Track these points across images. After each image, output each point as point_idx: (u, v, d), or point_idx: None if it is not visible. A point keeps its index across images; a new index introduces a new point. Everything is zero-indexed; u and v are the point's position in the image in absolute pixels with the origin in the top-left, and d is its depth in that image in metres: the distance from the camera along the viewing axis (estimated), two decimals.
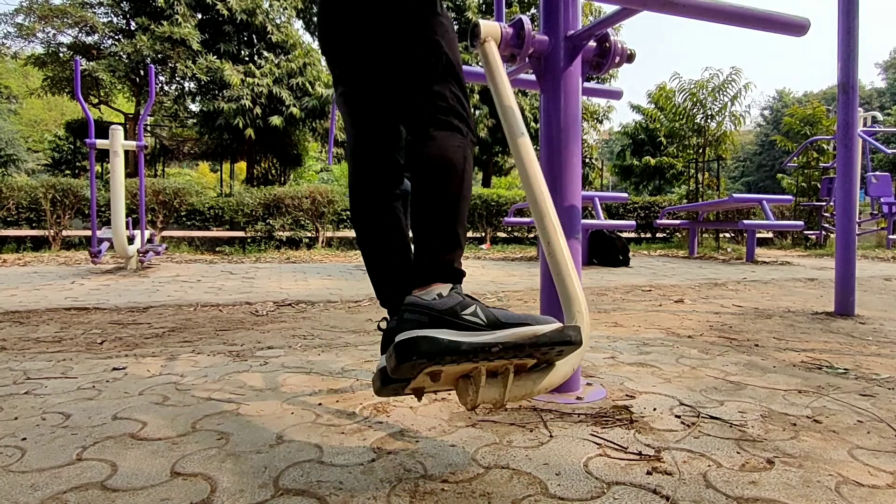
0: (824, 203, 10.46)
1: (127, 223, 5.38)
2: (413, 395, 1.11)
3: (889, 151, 9.96)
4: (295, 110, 15.84)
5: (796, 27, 1.51)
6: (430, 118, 1.15)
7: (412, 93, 1.17)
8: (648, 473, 1.07)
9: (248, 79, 15.62)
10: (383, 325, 1.19)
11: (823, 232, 10.46)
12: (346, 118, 1.29)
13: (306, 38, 19.37)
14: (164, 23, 15.21)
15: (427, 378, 1.00)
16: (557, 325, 0.98)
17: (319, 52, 17.71)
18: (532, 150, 1.29)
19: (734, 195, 8.08)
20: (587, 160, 20.24)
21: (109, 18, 17.09)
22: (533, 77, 1.72)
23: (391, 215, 1.24)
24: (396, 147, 1.27)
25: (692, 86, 10.44)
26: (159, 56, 15.58)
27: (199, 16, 16.60)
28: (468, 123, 1.18)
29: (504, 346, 0.93)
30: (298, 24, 19.27)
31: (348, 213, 9.89)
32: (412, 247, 1.17)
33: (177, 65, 15.82)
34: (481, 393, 0.98)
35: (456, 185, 1.13)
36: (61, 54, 17.01)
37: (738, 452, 1.17)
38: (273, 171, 19.55)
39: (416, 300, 1.03)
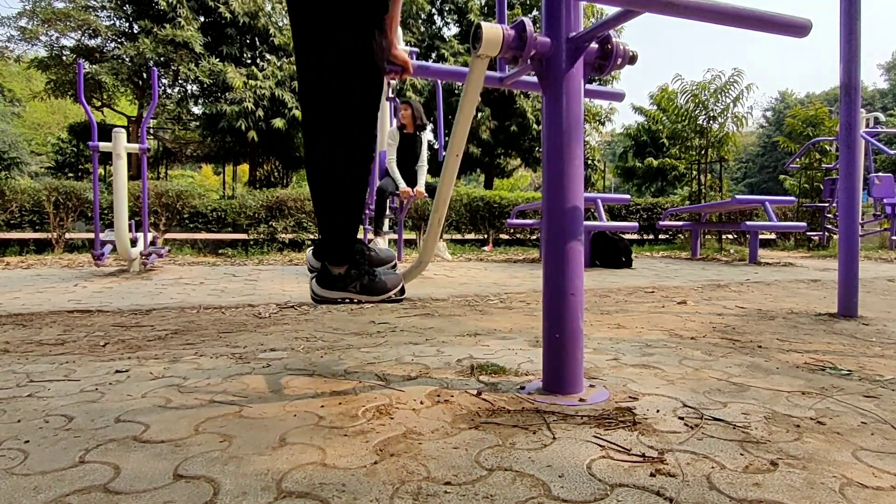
0: (827, 204, 10.44)
1: (130, 226, 5.39)
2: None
3: (892, 152, 9.94)
4: (297, 113, 15.85)
5: (797, 28, 1.51)
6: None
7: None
8: (652, 475, 1.07)
9: (250, 81, 15.66)
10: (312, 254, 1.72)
11: (826, 233, 10.44)
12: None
13: None
14: (167, 26, 15.26)
15: None
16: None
17: None
18: (454, 171, 1.71)
19: (737, 196, 8.07)
20: (589, 162, 20.25)
21: (112, 22, 17.16)
22: (535, 79, 1.72)
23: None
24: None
25: (694, 87, 10.44)
26: (162, 59, 15.63)
27: (202, 19, 16.66)
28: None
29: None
30: None
31: None
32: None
33: (179, 67, 15.86)
34: None
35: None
36: (64, 57, 17.08)
37: (741, 454, 1.17)
38: (276, 174, 19.59)
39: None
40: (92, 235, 7.08)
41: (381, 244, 5.62)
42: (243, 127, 15.56)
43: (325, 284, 1.67)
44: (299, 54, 1.37)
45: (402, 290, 1.77)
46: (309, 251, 1.78)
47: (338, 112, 1.38)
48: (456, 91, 17.36)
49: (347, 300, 1.70)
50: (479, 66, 1.54)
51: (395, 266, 1.92)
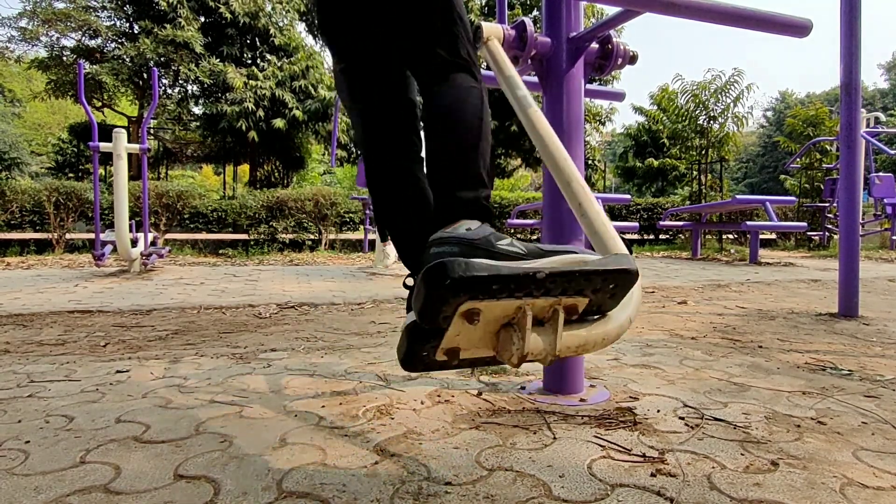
0: (827, 204, 10.43)
1: (130, 226, 5.39)
2: (446, 364, 0.94)
3: (892, 152, 9.94)
4: (298, 113, 15.87)
5: (798, 28, 1.51)
6: (442, 62, 1.09)
7: (421, 37, 1.11)
8: (652, 475, 1.07)
9: (250, 82, 15.65)
10: (409, 281, 1.04)
11: (827, 233, 10.43)
12: (349, 97, 1.22)
13: (309, 40, 19.40)
14: (168, 26, 15.26)
15: (463, 323, 0.83)
16: (606, 256, 0.90)
17: (321, 53, 17.76)
18: (545, 120, 1.27)
19: (737, 196, 8.07)
20: (590, 162, 20.23)
21: (113, 22, 17.15)
22: (535, 79, 1.72)
23: (417, 182, 1.17)
24: (410, 112, 1.21)
25: (695, 87, 10.43)
26: (162, 59, 15.63)
27: (202, 19, 16.65)
28: (479, 69, 1.16)
29: (551, 272, 0.79)
30: (301, 27, 19.31)
31: (351, 215, 9.94)
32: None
33: (180, 68, 15.87)
34: (528, 342, 0.83)
35: (475, 118, 1.06)
36: (65, 58, 17.07)
37: (742, 454, 1.17)
38: (276, 174, 19.58)
39: (443, 235, 0.95)
40: (92, 236, 7.09)
41: (390, 251, 5.62)
42: (244, 127, 15.55)
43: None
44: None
45: None
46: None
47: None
48: None
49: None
50: (493, 47, 1.46)
51: None
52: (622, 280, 0.86)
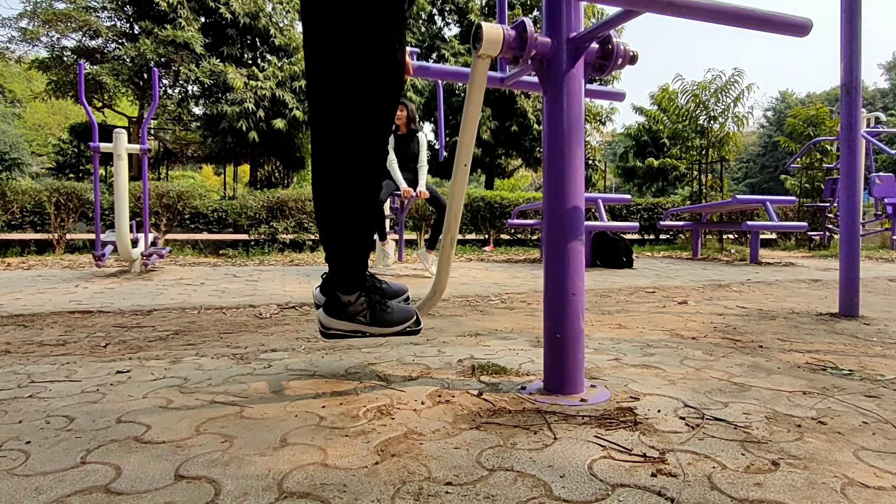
0: (828, 204, 10.43)
1: (131, 226, 5.39)
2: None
3: (892, 152, 9.93)
4: (298, 113, 15.87)
5: (798, 28, 1.51)
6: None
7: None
8: (653, 475, 1.07)
9: (251, 82, 15.66)
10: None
11: (827, 233, 10.43)
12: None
13: None
14: (168, 26, 15.27)
15: None
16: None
17: None
18: (463, 183, 1.61)
19: (738, 196, 8.06)
20: (590, 162, 20.25)
21: (113, 22, 17.16)
22: (535, 79, 1.72)
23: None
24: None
25: (695, 87, 10.43)
26: (163, 59, 15.64)
27: (203, 19, 16.67)
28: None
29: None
30: (301, 28, 19.33)
31: None
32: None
33: (180, 68, 15.87)
34: None
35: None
36: (65, 58, 17.09)
37: (742, 454, 1.17)
38: (276, 174, 19.59)
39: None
40: (93, 236, 7.09)
41: (390, 251, 5.62)
42: (244, 127, 15.56)
43: (334, 313, 1.59)
44: (315, 60, 1.26)
45: (418, 322, 1.67)
46: (315, 289, 1.69)
47: (354, 122, 1.30)
48: (457, 91, 17.37)
49: (358, 333, 1.61)
50: (480, 66, 1.53)
51: (407, 299, 1.84)
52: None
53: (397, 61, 1.29)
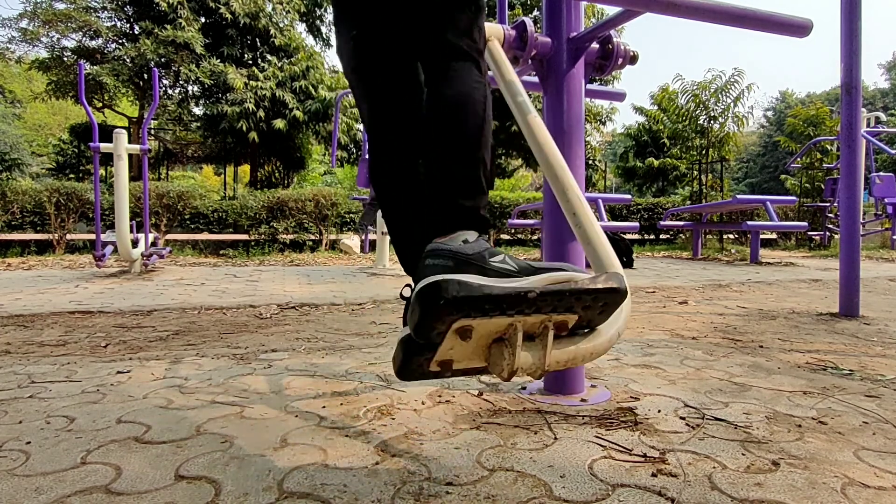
0: (828, 204, 10.42)
1: (131, 227, 5.39)
2: (439, 374, 0.97)
3: (892, 152, 9.93)
4: (298, 113, 15.87)
5: (798, 28, 1.51)
6: (451, 50, 1.07)
7: (437, 12, 1.07)
8: (653, 475, 1.07)
9: (251, 82, 15.66)
10: (406, 292, 1.00)
11: (827, 233, 10.43)
12: (357, 76, 1.18)
13: (309, 41, 19.44)
14: (168, 27, 15.27)
15: (456, 339, 0.87)
16: (597, 274, 0.91)
17: (322, 53, 17.74)
18: (544, 127, 1.28)
19: (738, 196, 8.07)
20: (590, 162, 20.24)
21: (113, 23, 17.16)
22: (536, 79, 1.72)
23: (418, 179, 1.14)
24: (417, 99, 1.16)
25: (695, 87, 10.43)
26: (163, 60, 15.64)
27: (203, 20, 16.67)
28: (485, 63, 1.13)
29: (541, 292, 0.82)
30: (301, 28, 19.33)
31: (352, 215, 9.93)
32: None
33: (180, 68, 15.88)
34: (518, 357, 0.87)
35: (477, 122, 1.04)
36: (65, 58, 17.08)
37: (743, 454, 1.17)
38: (276, 174, 19.59)
39: (439, 246, 0.95)
40: (93, 236, 7.09)
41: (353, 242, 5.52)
42: (244, 128, 15.56)
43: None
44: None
45: None
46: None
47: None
48: None
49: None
50: (493, 47, 1.46)
51: None
52: (611, 299, 0.88)
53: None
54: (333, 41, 1.32)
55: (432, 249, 0.94)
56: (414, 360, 0.92)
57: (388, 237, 6.47)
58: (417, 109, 1.15)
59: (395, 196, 1.16)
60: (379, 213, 5.76)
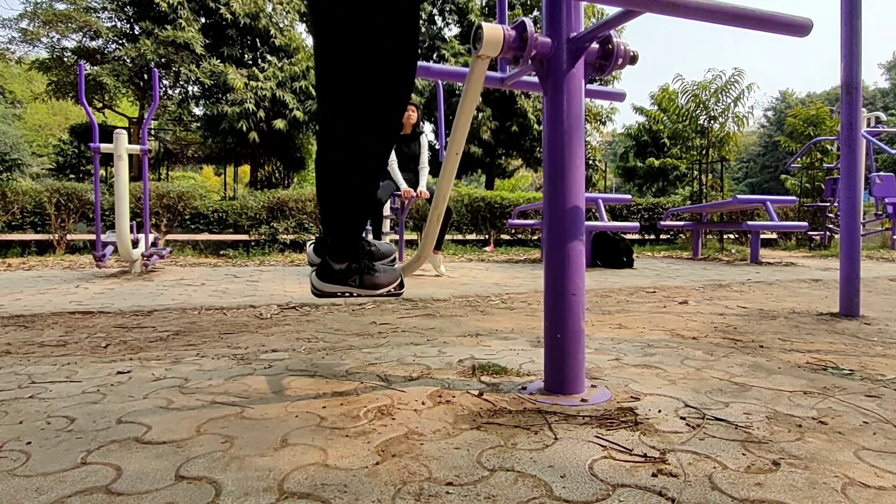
0: (828, 204, 10.42)
1: (131, 227, 5.40)
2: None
3: (893, 152, 9.93)
4: (298, 114, 15.88)
5: (798, 28, 1.50)
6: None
7: None
8: (654, 475, 1.07)
9: (251, 82, 15.67)
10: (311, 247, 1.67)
11: (828, 233, 10.43)
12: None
13: (309, 41, 19.42)
14: (168, 27, 15.28)
15: None
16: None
17: None
18: (453, 168, 1.69)
19: (738, 196, 8.06)
20: (590, 162, 20.25)
21: (113, 23, 17.18)
22: (536, 79, 1.72)
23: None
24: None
25: (695, 87, 10.43)
26: (163, 60, 15.64)
27: (203, 20, 16.68)
28: None
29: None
30: (301, 28, 19.33)
31: None
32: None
33: (180, 69, 15.88)
34: None
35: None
36: (65, 59, 17.10)
37: (743, 454, 1.17)
38: (277, 175, 19.60)
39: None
40: (93, 237, 7.10)
41: None
42: (244, 128, 15.57)
43: (325, 278, 1.71)
44: (326, 36, 1.22)
45: (402, 285, 1.81)
46: (310, 247, 1.81)
47: (369, 100, 1.28)
48: (457, 91, 17.35)
49: (347, 294, 1.74)
50: (479, 66, 1.54)
51: (394, 261, 1.93)
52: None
53: (415, 53, 1.27)
54: None
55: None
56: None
57: (388, 237, 6.47)
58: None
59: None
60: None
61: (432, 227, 1.86)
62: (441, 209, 1.80)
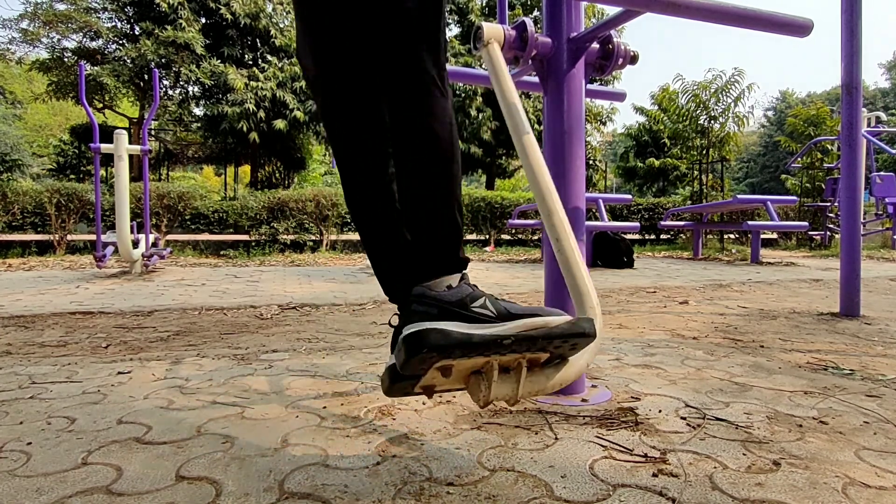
0: (829, 204, 10.42)
1: (131, 227, 5.40)
2: (423, 394, 1.06)
3: (893, 151, 9.93)
4: (299, 114, 15.88)
5: (799, 28, 1.51)
6: (425, 82, 1.06)
7: (407, 38, 1.05)
8: (654, 475, 1.07)
9: (251, 83, 15.67)
10: (394, 321, 1.07)
11: (828, 232, 10.42)
12: (322, 111, 1.18)
13: None
14: (168, 27, 15.27)
15: (438, 374, 0.96)
16: (569, 317, 0.96)
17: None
18: (537, 148, 1.27)
19: (738, 196, 8.06)
20: (591, 162, 20.24)
21: (114, 23, 17.18)
22: (536, 79, 1.72)
23: (392, 206, 1.16)
24: (381, 129, 1.16)
25: (695, 87, 10.43)
26: (163, 60, 15.64)
27: (203, 20, 16.68)
28: (446, 78, 1.13)
29: (516, 338, 0.90)
30: None
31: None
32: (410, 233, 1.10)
33: (181, 69, 15.88)
34: (493, 389, 0.96)
35: (453, 163, 1.07)
36: (66, 59, 17.10)
37: (744, 454, 1.17)
38: (277, 175, 19.60)
39: (425, 291, 1.01)
40: (94, 237, 7.10)
41: None
42: (244, 128, 15.56)
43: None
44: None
45: None
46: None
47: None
48: (457, 91, 17.35)
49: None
50: (492, 51, 1.40)
51: None
52: (582, 341, 0.96)
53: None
54: None
55: (418, 295, 1.01)
56: (399, 385, 1.01)
57: None
58: (384, 141, 1.15)
59: (370, 224, 1.17)
60: None
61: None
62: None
